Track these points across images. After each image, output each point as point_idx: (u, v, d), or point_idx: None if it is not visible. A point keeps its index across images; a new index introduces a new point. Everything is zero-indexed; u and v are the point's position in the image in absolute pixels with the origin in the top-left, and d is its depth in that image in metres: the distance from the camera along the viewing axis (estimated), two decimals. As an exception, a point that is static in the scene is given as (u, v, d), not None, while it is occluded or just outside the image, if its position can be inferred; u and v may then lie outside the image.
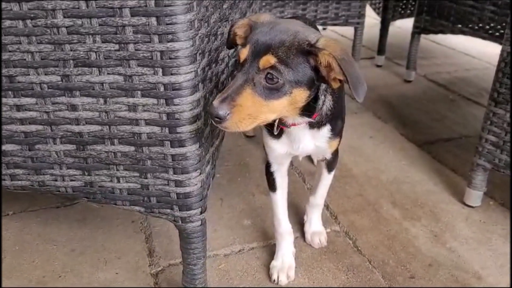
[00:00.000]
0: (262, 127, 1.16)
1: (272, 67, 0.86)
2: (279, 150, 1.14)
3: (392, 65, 3.00)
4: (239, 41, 0.99)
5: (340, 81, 0.90)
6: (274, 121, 1.02)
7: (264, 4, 2.19)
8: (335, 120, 1.10)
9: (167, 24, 0.81)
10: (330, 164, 1.27)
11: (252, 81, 0.87)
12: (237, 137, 2.01)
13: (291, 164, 1.80)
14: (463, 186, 1.62)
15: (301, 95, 0.91)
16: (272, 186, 1.23)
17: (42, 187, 1.01)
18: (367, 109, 2.33)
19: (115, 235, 1.41)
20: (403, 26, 3.61)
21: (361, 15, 2.39)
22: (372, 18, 3.52)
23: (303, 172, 1.76)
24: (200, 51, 0.89)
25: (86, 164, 0.97)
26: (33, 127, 0.93)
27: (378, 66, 2.98)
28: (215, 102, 0.84)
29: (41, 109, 0.91)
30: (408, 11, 2.86)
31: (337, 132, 1.13)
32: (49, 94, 0.89)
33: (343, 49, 0.87)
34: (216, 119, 0.84)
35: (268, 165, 1.22)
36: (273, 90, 0.87)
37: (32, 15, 0.82)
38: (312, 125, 1.07)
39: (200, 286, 1.10)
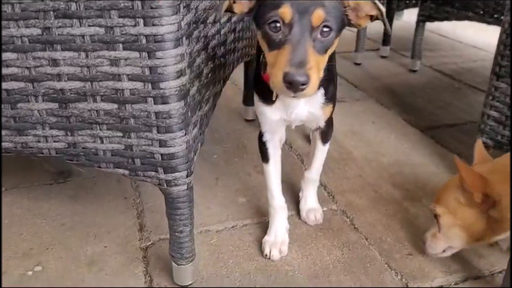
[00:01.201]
0: (254, 94, 1.14)
1: (325, 20, 0.84)
2: (273, 117, 1.11)
3: (397, 56, 2.96)
4: (237, 8, 0.93)
5: (371, 18, 0.91)
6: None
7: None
8: (327, 85, 1.08)
9: (147, -30, 0.78)
10: (325, 134, 1.23)
11: (310, 38, 0.84)
12: (237, 121, 1.98)
13: (290, 146, 1.77)
14: (466, 168, 1.57)
15: (336, 45, 0.90)
16: (265, 156, 1.20)
17: (25, 149, 0.98)
18: (370, 97, 2.29)
19: (107, 211, 1.38)
20: (410, 20, 3.56)
21: (365, 3, 2.35)
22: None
23: (302, 154, 1.72)
24: (184, 4, 0.87)
25: (68, 124, 0.94)
26: (14, 84, 0.91)
27: (383, 57, 2.93)
28: (291, 70, 0.80)
29: (22, 65, 0.89)
30: (414, 1, 2.82)
31: (330, 97, 1.09)
32: (30, 48, 0.87)
33: None
34: (302, 86, 0.81)
35: (261, 135, 1.19)
36: (325, 43, 0.86)
37: (10, -37, 0.80)
38: None
39: (188, 255, 1.07)
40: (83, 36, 0.85)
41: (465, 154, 1.72)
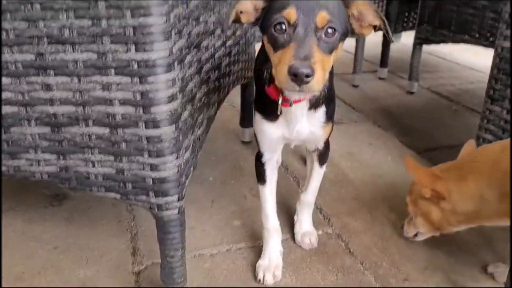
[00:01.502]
0: (254, 111, 1.14)
1: (329, 21, 0.86)
2: (274, 134, 1.11)
3: (395, 78, 2.98)
4: (244, 18, 0.95)
5: (374, 28, 0.94)
6: (277, 101, 1.02)
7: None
8: (328, 102, 1.09)
9: (139, -3, 0.79)
10: (322, 156, 1.23)
11: (315, 37, 0.86)
12: (234, 142, 1.98)
13: (286, 168, 1.77)
14: (463, 190, 1.56)
15: (341, 50, 0.92)
16: (261, 178, 1.19)
17: (17, 172, 0.99)
18: (367, 118, 2.30)
19: (100, 234, 1.37)
20: (408, 42, 3.60)
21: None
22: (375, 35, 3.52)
23: (298, 177, 1.72)
24: (176, 30, 0.88)
25: (61, 148, 0.94)
26: (8, 109, 0.92)
27: (381, 79, 2.95)
28: (296, 63, 0.81)
29: (16, 90, 0.90)
30: (410, 24, 2.85)
31: (330, 115, 1.11)
32: (24, 73, 0.88)
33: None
34: (307, 78, 0.81)
35: (258, 156, 1.18)
36: (329, 44, 0.88)
37: (5, -10, 0.82)
38: (310, 105, 1.05)
39: (179, 280, 1.05)
40: (76, 61, 0.86)
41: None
